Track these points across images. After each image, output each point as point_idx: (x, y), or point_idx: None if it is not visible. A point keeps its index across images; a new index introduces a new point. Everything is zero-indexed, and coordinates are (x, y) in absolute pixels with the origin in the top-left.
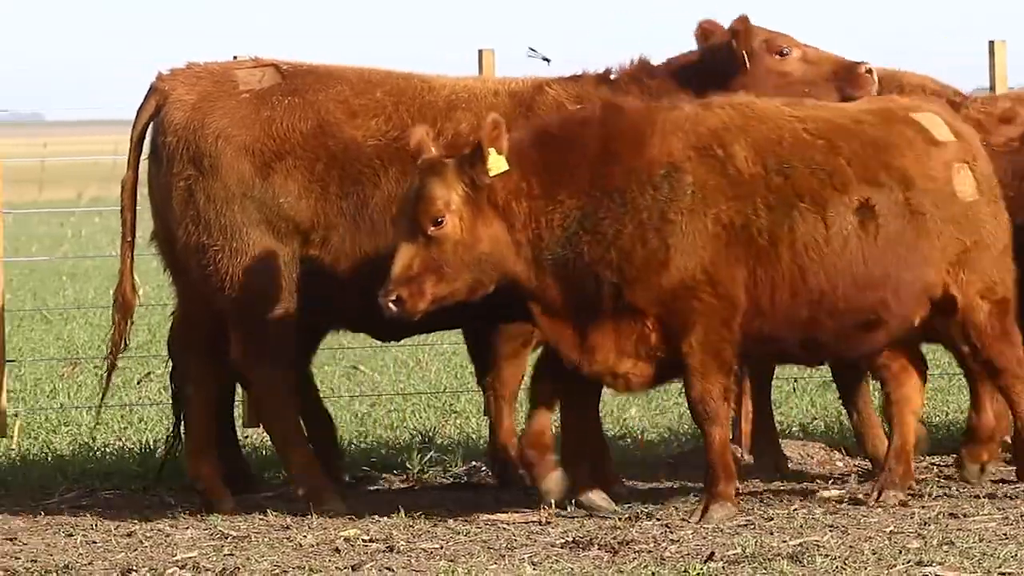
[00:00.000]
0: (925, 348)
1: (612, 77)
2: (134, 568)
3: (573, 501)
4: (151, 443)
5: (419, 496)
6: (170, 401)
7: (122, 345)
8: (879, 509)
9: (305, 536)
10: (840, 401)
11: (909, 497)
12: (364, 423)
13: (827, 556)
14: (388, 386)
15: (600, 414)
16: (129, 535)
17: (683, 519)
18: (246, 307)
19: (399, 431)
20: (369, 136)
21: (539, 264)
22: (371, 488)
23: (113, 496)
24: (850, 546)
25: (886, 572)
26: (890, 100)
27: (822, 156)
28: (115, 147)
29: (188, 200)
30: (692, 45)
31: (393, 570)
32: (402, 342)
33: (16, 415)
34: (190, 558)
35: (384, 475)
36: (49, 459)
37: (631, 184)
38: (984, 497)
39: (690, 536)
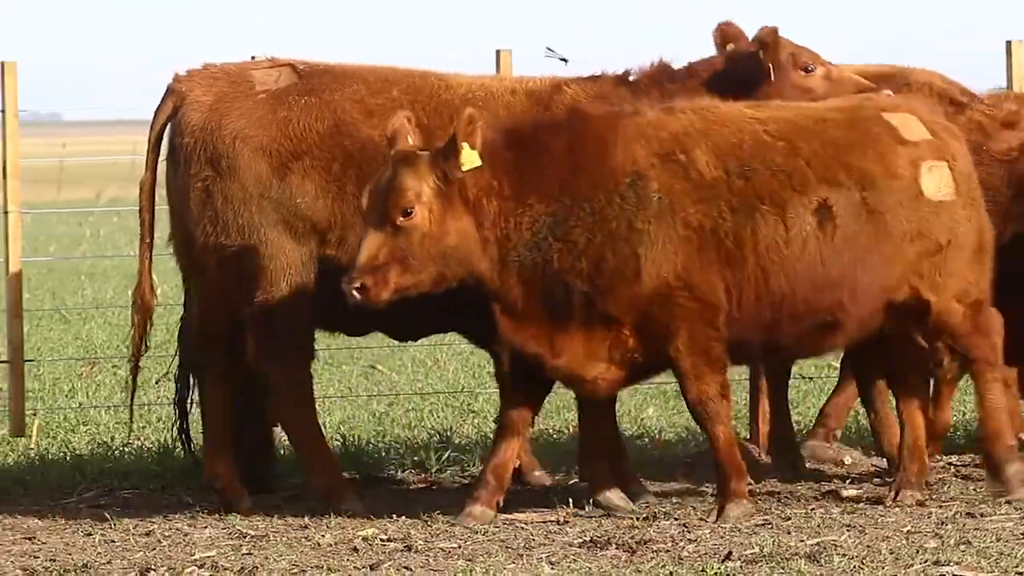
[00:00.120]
0: None
1: (631, 79)
2: (153, 567)
3: (591, 500)
4: (169, 443)
5: (437, 495)
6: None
7: (143, 347)
8: (896, 509)
9: (323, 535)
10: (859, 400)
11: (927, 496)
12: (382, 422)
13: (845, 556)
14: (406, 385)
15: (617, 414)
16: (148, 534)
17: (701, 518)
18: (263, 307)
19: (417, 430)
20: (383, 135)
21: (504, 264)
22: (389, 487)
23: (131, 495)
24: (867, 546)
25: (903, 572)
26: (865, 99)
27: (782, 158)
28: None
29: (206, 201)
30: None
31: (411, 569)
32: (420, 342)
33: (35, 414)
34: (208, 557)
35: (402, 474)
36: (68, 458)
37: (598, 193)
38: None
39: (708, 535)
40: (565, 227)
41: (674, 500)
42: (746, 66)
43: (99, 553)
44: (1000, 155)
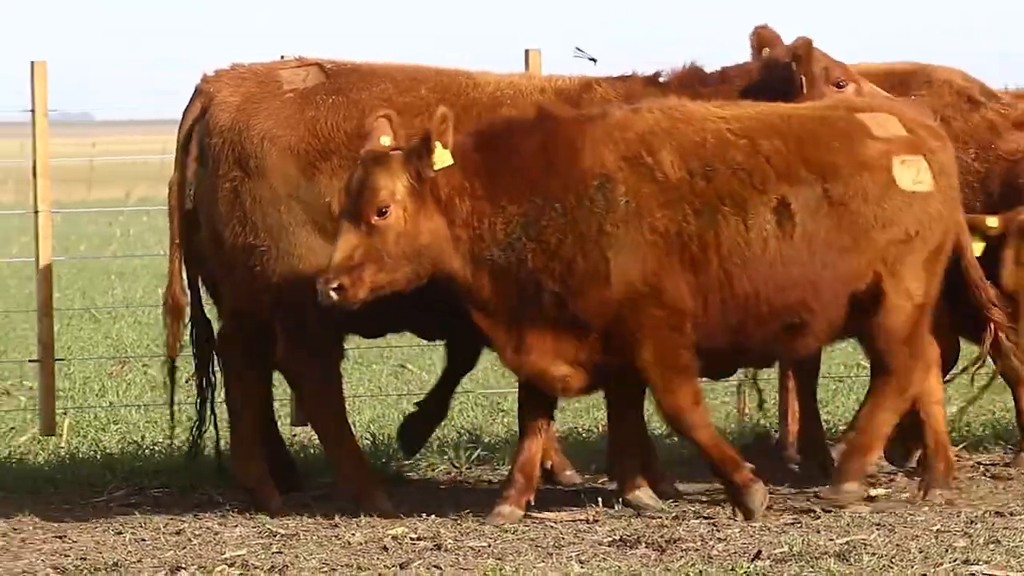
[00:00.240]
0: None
1: (661, 80)
2: (183, 566)
3: (621, 499)
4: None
5: (467, 494)
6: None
7: (177, 348)
8: (925, 508)
9: (353, 534)
10: None
11: (956, 495)
12: None
13: (874, 554)
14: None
15: (646, 412)
16: (178, 533)
17: (730, 517)
18: (292, 307)
19: (446, 429)
20: (414, 134)
21: (477, 263)
22: (419, 486)
23: (162, 494)
24: (897, 544)
25: (933, 571)
26: (842, 100)
27: (743, 156)
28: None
29: (234, 201)
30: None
31: (441, 568)
32: None
33: (65, 413)
34: (239, 556)
35: (432, 473)
36: (98, 457)
37: (568, 195)
38: None
39: (737, 534)
40: (538, 227)
41: (703, 499)
42: (780, 75)
43: (129, 552)
44: (1007, 155)
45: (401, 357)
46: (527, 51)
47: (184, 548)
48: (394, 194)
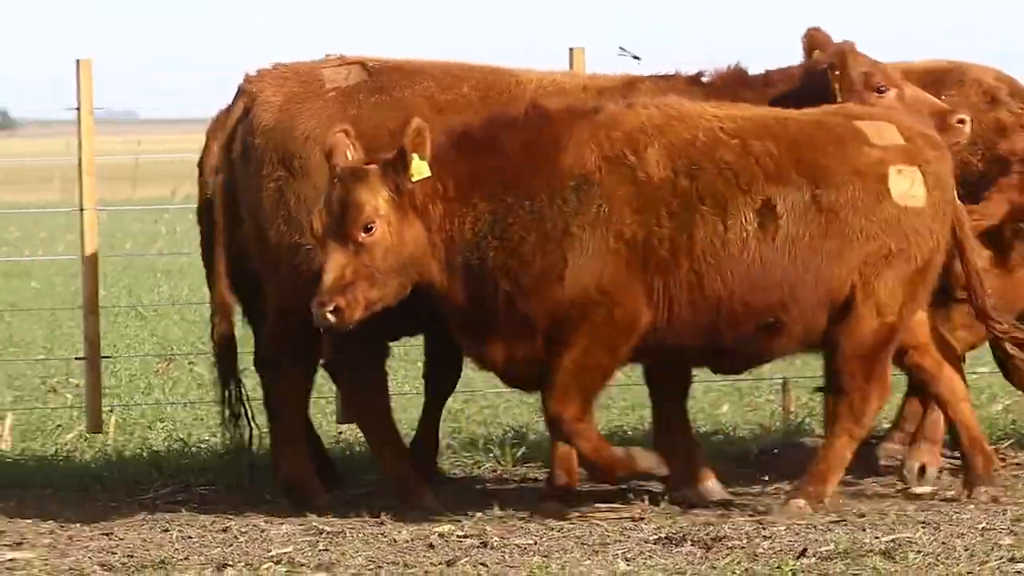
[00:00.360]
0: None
1: (704, 80)
2: (229, 563)
3: (666, 497)
4: (245, 440)
5: (512, 492)
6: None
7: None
8: (971, 505)
9: (399, 532)
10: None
11: (1001, 491)
12: (458, 419)
13: (919, 552)
14: (481, 382)
15: (691, 410)
16: (224, 530)
17: (776, 515)
18: None
19: (492, 427)
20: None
21: (451, 266)
22: (465, 484)
23: (208, 491)
24: (943, 542)
25: (978, 569)
26: (842, 107)
27: (732, 155)
28: None
29: (279, 201)
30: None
31: (487, 565)
32: None
33: (112, 411)
34: (285, 553)
35: (478, 471)
36: (144, 455)
37: (541, 193)
38: None
39: (783, 532)
40: (503, 225)
41: (749, 497)
42: (821, 81)
43: (176, 549)
44: (1007, 153)
45: None
46: (571, 49)
47: (231, 545)
48: (377, 209)
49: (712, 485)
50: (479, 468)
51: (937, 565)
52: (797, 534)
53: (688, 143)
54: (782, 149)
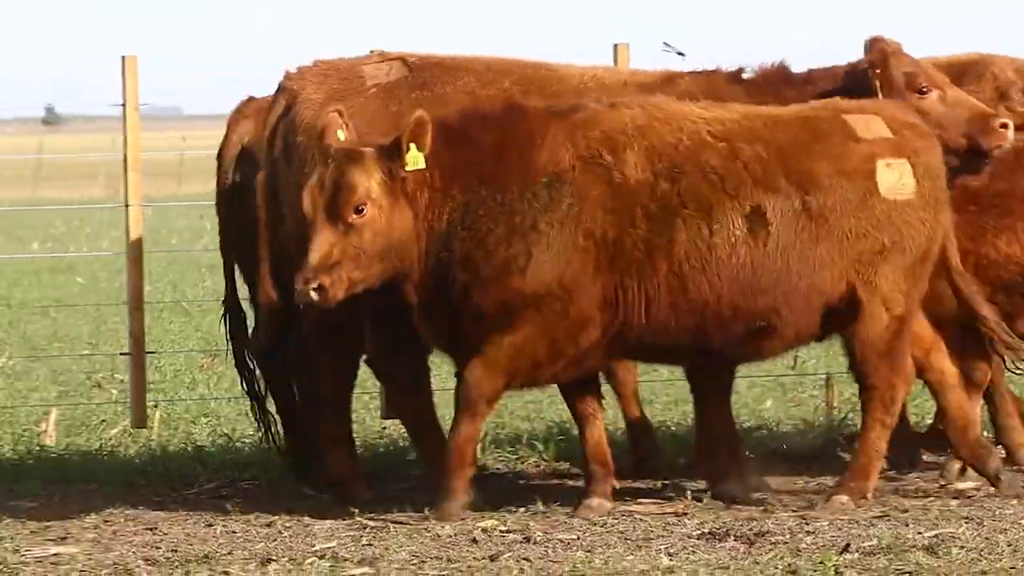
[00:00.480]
0: None
1: (744, 77)
2: (273, 558)
3: (709, 493)
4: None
5: (555, 487)
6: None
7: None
8: (1014, 501)
9: (443, 527)
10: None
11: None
12: (501, 414)
13: (963, 548)
14: None
15: (734, 406)
16: (268, 525)
17: (819, 511)
18: (382, 302)
19: (535, 422)
20: None
21: (427, 256)
22: (508, 479)
23: (252, 486)
24: (986, 538)
25: (1021, 564)
26: (831, 102)
27: (719, 159)
28: None
29: None
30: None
31: (530, 560)
32: None
33: (156, 406)
34: (329, 548)
35: (521, 466)
36: (189, 450)
37: (513, 187)
38: None
39: (826, 527)
40: (474, 216)
41: (792, 492)
42: (863, 81)
43: (220, 544)
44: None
45: None
46: (615, 45)
47: (275, 540)
48: (370, 192)
49: (755, 480)
50: (522, 463)
51: (980, 560)
52: (840, 529)
53: (671, 146)
54: (770, 153)
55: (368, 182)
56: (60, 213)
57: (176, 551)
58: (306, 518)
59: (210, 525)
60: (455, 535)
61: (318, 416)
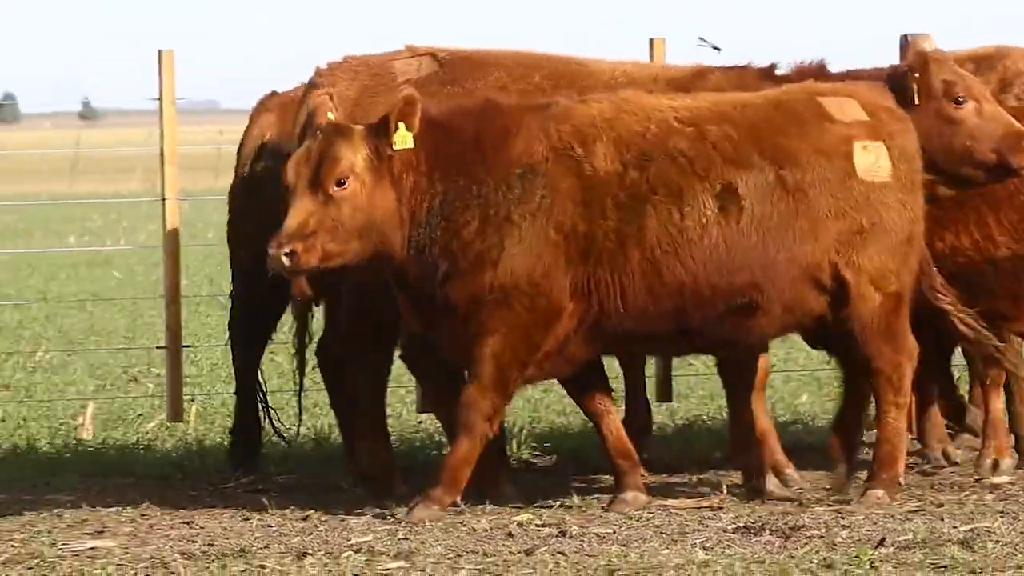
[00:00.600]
0: None
1: (777, 72)
2: (309, 552)
3: (745, 487)
4: (326, 428)
5: (591, 481)
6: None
7: (307, 337)
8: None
9: (479, 521)
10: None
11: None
12: (537, 408)
13: (998, 542)
14: None
15: (770, 400)
16: (304, 519)
17: (854, 505)
18: None
19: (571, 417)
20: None
21: (411, 242)
22: (544, 473)
23: (288, 480)
24: (1021, 532)
25: None
26: (806, 85)
27: (687, 143)
28: None
29: None
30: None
31: (566, 554)
32: None
33: (192, 400)
34: (365, 542)
35: (557, 460)
36: (224, 443)
37: (488, 179)
38: None
39: (861, 522)
40: (451, 206)
41: (827, 486)
42: (902, 84)
43: (256, 537)
44: None
45: None
46: (651, 40)
47: (311, 534)
48: (354, 166)
49: (791, 474)
50: (559, 457)
51: (1016, 554)
52: (875, 523)
53: (638, 135)
54: (741, 132)
55: (354, 156)
56: (97, 207)
57: (212, 545)
58: (342, 512)
59: (246, 519)
60: (491, 529)
61: (353, 410)
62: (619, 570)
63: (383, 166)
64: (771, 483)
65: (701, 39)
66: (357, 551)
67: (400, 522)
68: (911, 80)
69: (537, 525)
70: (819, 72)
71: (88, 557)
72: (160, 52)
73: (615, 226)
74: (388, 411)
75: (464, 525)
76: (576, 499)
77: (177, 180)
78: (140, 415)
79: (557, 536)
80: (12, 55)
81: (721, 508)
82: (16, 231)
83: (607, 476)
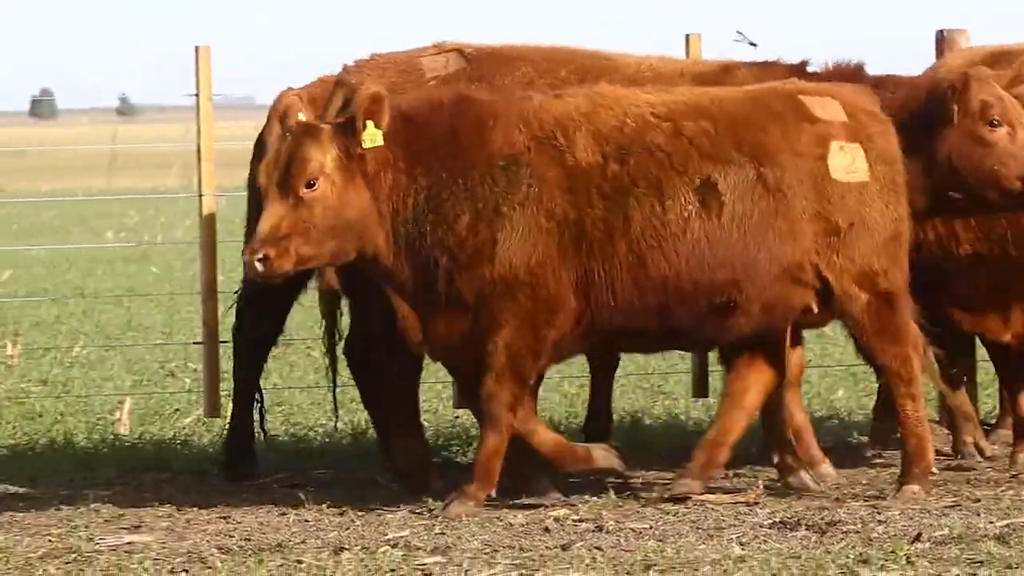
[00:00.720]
0: None
1: (808, 70)
2: (346, 546)
3: (781, 482)
4: (362, 423)
5: (628, 477)
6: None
7: (336, 333)
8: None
9: (515, 515)
10: None
11: None
12: (573, 404)
13: None
14: None
15: (805, 395)
16: (341, 514)
17: (890, 501)
18: None
19: None
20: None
21: (396, 238)
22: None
23: (325, 475)
24: None
25: None
26: (788, 83)
27: (664, 138)
28: None
29: None
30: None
31: (602, 549)
32: None
33: (229, 395)
34: (401, 537)
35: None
36: (261, 438)
37: (473, 172)
38: None
39: (897, 517)
40: (439, 200)
41: (863, 482)
42: (940, 102)
43: (293, 532)
44: None
45: None
46: (687, 35)
47: (347, 529)
48: (323, 167)
49: (826, 469)
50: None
51: None
52: (911, 519)
53: (615, 129)
54: (719, 127)
55: (322, 157)
56: (134, 203)
57: (249, 540)
58: (379, 507)
59: (283, 514)
60: (527, 524)
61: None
62: (655, 565)
63: (354, 165)
64: (807, 478)
65: (739, 33)
66: (394, 546)
67: (436, 517)
68: (951, 100)
69: (573, 520)
70: (856, 73)
71: (125, 552)
72: (197, 48)
73: (602, 215)
74: (424, 406)
75: (500, 520)
76: (613, 494)
77: (214, 176)
78: (177, 410)
79: (593, 531)
80: (50, 51)
81: (757, 503)
82: (53, 227)
83: (644, 471)
